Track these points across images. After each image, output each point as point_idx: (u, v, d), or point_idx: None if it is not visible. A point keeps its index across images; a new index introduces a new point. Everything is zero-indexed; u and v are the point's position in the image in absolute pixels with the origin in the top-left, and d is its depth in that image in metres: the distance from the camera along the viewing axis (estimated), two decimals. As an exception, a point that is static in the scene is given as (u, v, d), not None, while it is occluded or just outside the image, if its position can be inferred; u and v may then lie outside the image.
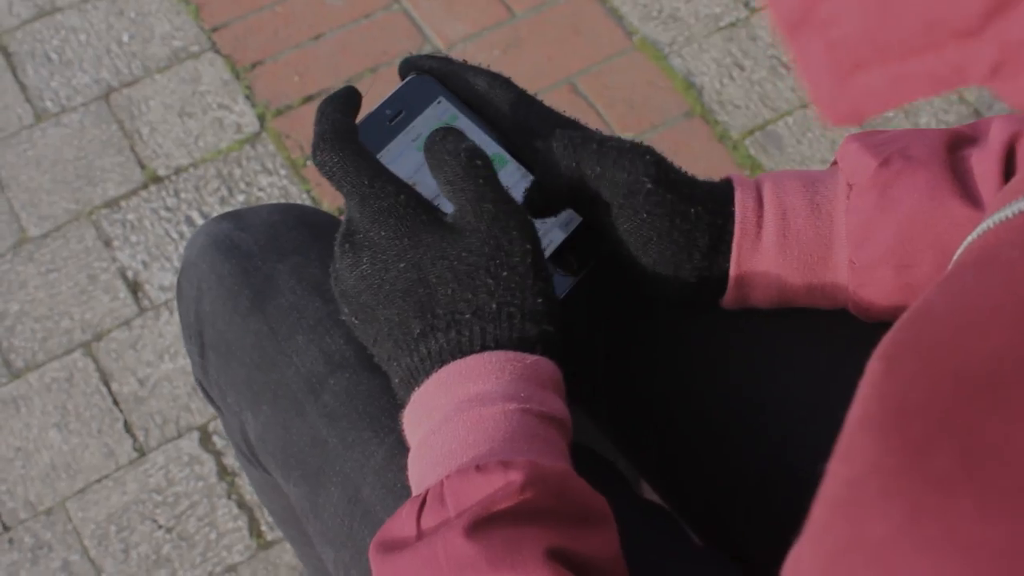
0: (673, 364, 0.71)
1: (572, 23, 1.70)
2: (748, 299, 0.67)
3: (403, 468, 0.62)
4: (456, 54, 1.66)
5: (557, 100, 1.60)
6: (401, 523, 0.53)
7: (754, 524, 0.69)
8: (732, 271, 0.65)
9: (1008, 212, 0.42)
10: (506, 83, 0.70)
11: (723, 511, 0.71)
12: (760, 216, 0.64)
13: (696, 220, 0.63)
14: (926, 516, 0.29)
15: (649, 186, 0.63)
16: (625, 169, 0.63)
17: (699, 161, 1.55)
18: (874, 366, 0.36)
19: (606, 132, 1.54)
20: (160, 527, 1.31)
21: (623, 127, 1.59)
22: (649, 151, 0.64)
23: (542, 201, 0.66)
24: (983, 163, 0.61)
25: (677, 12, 1.71)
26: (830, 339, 0.68)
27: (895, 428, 0.32)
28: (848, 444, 0.33)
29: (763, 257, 0.64)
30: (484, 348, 0.58)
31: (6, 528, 1.30)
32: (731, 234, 0.64)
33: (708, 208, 0.64)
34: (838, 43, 0.29)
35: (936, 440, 0.30)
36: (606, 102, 1.61)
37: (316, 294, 0.72)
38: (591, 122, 1.58)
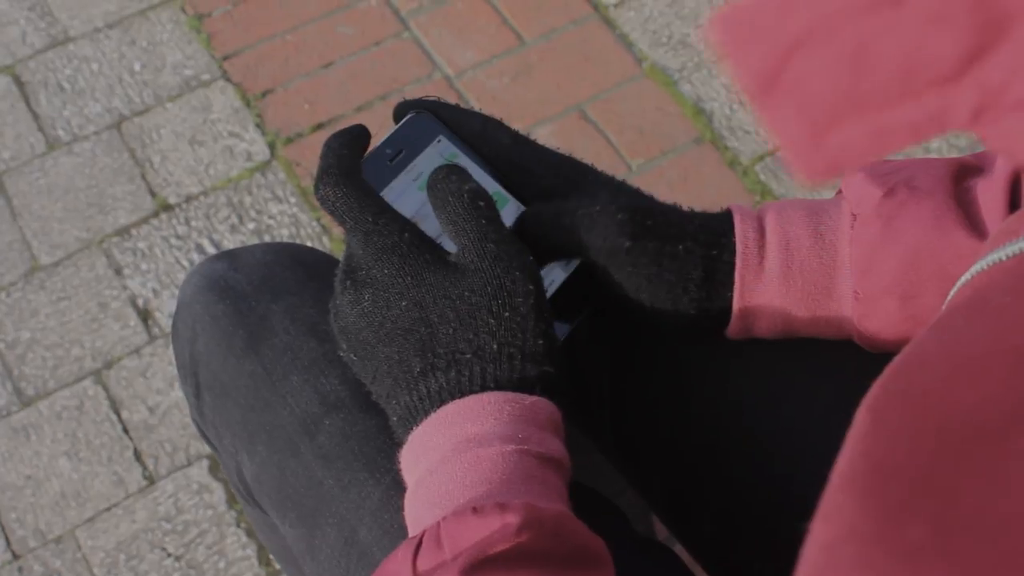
0: (677, 393, 0.71)
1: (581, 50, 1.70)
2: (752, 329, 0.66)
3: (400, 509, 0.61)
4: (466, 81, 1.66)
5: (567, 127, 1.61)
6: (397, 565, 0.53)
7: (761, 557, 0.68)
8: (735, 301, 0.64)
9: (1001, 254, 0.41)
10: (498, 124, 0.70)
11: (729, 542, 0.71)
12: (762, 246, 0.64)
13: (686, 255, 0.63)
14: None
15: (628, 244, 0.63)
16: (600, 235, 0.63)
17: (709, 187, 1.55)
18: (861, 417, 0.35)
19: (616, 159, 1.55)
20: (169, 555, 1.31)
21: (633, 154, 1.59)
22: (622, 206, 0.64)
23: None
24: (988, 193, 0.61)
25: (687, 38, 1.71)
26: (835, 369, 0.68)
27: (875, 489, 0.31)
28: (830, 503, 0.32)
29: (766, 287, 0.64)
30: (484, 388, 0.58)
31: (16, 556, 1.30)
32: (728, 264, 0.64)
33: (700, 241, 0.64)
34: (811, 101, 0.28)
35: (913, 506, 0.29)
36: (616, 129, 1.61)
37: (311, 335, 0.71)
38: (601, 149, 1.59)
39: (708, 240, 0.64)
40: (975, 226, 0.60)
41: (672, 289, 0.64)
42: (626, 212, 0.63)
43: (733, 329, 0.66)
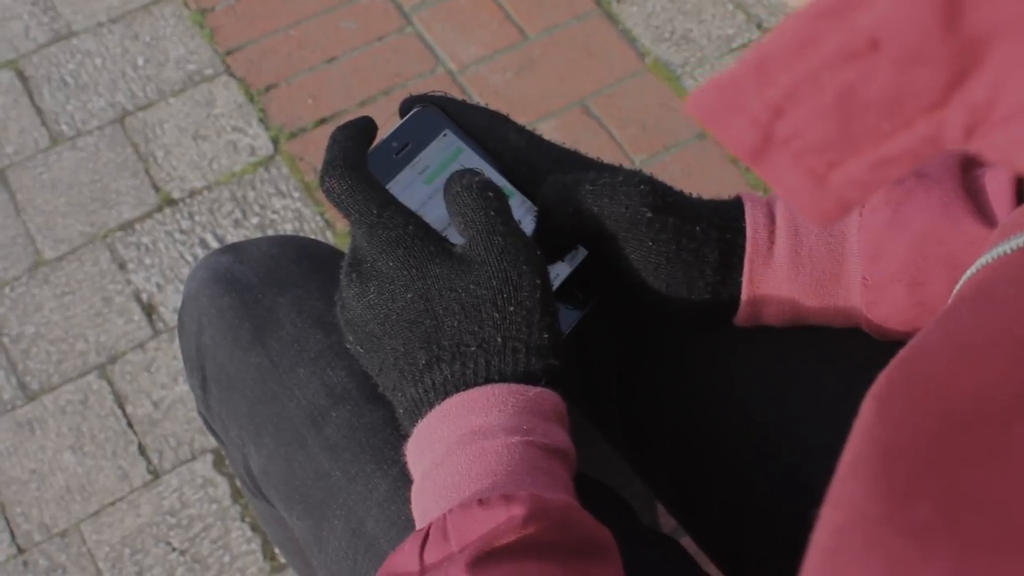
0: (685, 383, 0.71)
1: (585, 45, 1.70)
2: (761, 317, 0.66)
3: (407, 501, 0.61)
4: (468, 76, 1.66)
5: (570, 122, 1.61)
6: (404, 558, 0.53)
7: (767, 546, 0.68)
8: (744, 287, 0.64)
9: (1007, 247, 0.42)
10: (505, 119, 0.70)
11: (735, 532, 0.71)
12: (772, 232, 0.64)
13: (703, 236, 0.63)
14: (904, 573, 0.28)
15: (649, 215, 0.63)
16: (622, 203, 0.63)
17: (711, 182, 1.55)
18: (867, 406, 0.35)
19: (619, 154, 1.55)
20: (174, 550, 1.31)
21: (636, 149, 1.59)
22: (643, 179, 0.64)
23: (547, 246, 0.65)
24: (996, 182, 0.61)
25: (689, 33, 1.71)
26: (843, 358, 0.68)
27: (883, 474, 0.31)
28: (839, 489, 0.33)
29: (775, 273, 0.64)
30: (488, 381, 0.58)
31: (21, 550, 1.31)
32: (742, 248, 0.64)
33: (715, 224, 0.64)
34: (805, 152, 0.29)
35: (919, 485, 0.30)
36: (619, 124, 1.61)
37: (317, 327, 0.72)
38: (604, 144, 1.59)
39: (722, 223, 0.64)
40: (983, 213, 0.61)
41: (689, 271, 0.64)
42: (648, 184, 0.64)
43: (742, 316, 0.66)
